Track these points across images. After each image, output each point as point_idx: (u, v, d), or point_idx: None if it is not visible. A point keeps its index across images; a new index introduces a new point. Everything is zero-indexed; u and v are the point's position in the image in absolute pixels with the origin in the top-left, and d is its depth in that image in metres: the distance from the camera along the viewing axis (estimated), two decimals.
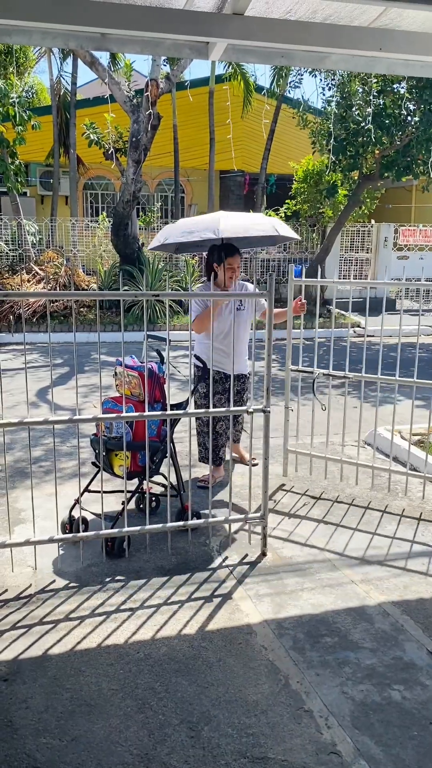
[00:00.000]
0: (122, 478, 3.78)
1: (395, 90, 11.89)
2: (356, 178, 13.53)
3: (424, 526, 4.16)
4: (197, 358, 4.55)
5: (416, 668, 2.77)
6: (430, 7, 3.33)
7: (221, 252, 4.61)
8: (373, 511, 4.39)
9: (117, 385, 4.11)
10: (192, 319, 4.41)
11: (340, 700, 2.56)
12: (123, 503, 3.75)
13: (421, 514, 4.35)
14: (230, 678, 2.69)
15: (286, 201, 16.74)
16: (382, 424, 5.70)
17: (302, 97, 16.53)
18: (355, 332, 12.86)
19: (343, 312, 13.42)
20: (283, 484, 4.83)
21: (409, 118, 11.76)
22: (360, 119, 11.85)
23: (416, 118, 11.57)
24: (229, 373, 4.54)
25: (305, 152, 16.05)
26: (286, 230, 4.62)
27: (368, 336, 10.94)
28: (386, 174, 12.69)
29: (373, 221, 17.08)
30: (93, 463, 4.03)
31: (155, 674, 2.72)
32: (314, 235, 17.06)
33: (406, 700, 2.57)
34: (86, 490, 3.95)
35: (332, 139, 11.94)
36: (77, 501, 3.81)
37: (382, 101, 11.76)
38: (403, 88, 11.80)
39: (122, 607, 3.21)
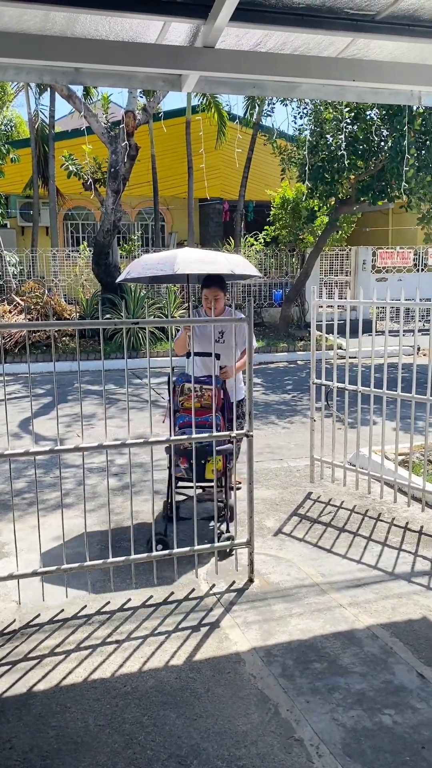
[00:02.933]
0: (211, 481, 4.09)
1: (367, 117, 12.16)
2: (333, 203, 13.75)
3: (409, 546, 4.15)
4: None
5: (406, 691, 2.74)
6: (393, 38, 3.43)
7: (204, 283, 4.72)
8: (360, 535, 4.38)
9: (181, 401, 4.17)
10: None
11: (331, 727, 2.53)
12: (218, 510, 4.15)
13: (404, 534, 4.35)
14: (219, 709, 2.65)
15: (265, 227, 16.95)
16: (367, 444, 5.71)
17: (273, 125, 16.77)
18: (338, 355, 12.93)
19: (325, 335, 13.51)
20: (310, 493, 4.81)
21: (382, 143, 12.01)
22: (333, 147, 12.08)
23: (389, 144, 11.82)
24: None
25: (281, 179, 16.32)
26: (244, 269, 4.73)
27: (351, 357, 11.03)
28: (362, 198, 12.91)
29: (351, 248, 17.33)
30: (176, 476, 4.25)
31: (143, 708, 2.67)
32: (294, 259, 17.27)
33: (397, 725, 2.54)
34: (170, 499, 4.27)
35: (308, 167, 12.15)
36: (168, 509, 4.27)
37: (355, 128, 12.01)
38: (375, 115, 12.08)
39: (108, 639, 3.16)
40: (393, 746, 2.43)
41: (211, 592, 3.61)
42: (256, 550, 3.97)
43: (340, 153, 11.89)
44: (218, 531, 4.16)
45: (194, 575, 3.78)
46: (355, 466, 5.21)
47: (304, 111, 12.63)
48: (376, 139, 11.97)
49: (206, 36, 3.35)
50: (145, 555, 3.64)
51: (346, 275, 17.19)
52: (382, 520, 4.59)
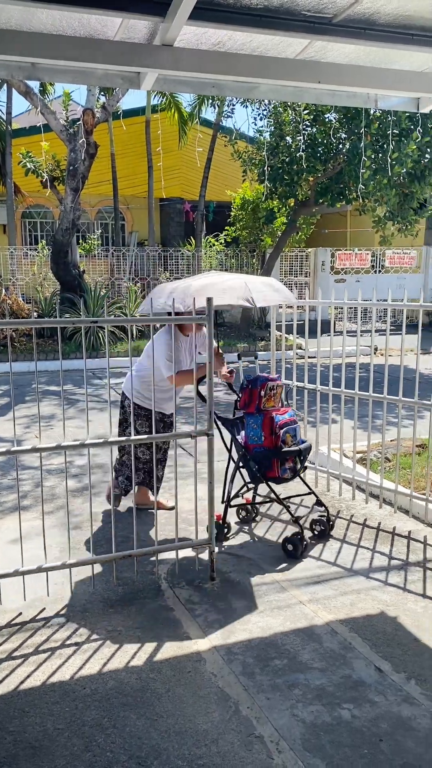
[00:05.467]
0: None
1: (326, 119, 12.30)
2: (293, 204, 13.87)
3: (367, 542, 4.21)
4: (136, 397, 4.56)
5: (365, 686, 2.78)
6: (349, 41, 3.47)
7: None
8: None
9: (264, 400, 4.15)
10: (169, 371, 4.15)
11: (291, 723, 2.55)
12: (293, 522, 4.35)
13: (362, 532, 4.42)
14: (180, 708, 2.64)
15: (226, 228, 17.00)
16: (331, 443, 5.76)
17: (234, 126, 16.85)
18: (297, 354, 13.05)
19: (285, 335, 13.61)
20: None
21: (340, 146, 12.17)
22: (293, 148, 12.19)
23: (346, 146, 11.99)
24: (167, 412, 4.69)
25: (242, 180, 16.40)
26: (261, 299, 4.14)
27: (309, 357, 11.13)
28: (321, 200, 13.06)
29: (310, 249, 17.51)
30: (282, 478, 4.16)
31: (103, 710, 2.65)
32: (254, 260, 17.36)
33: (356, 719, 2.57)
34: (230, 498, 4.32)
35: (267, 167, 12.22)
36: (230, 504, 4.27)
37: (314, 130, 12.14)
38: (334, 117, 12.23)
39: (67, 642, 3.12)
40: (352, 740, 2.46)
41: (171, 592, 3.60)
42: (217, 549, 3.98)
43: (299, 155, 12.00)
44: (321, 515, 4.37)
45: (155, 575, 3.76)
46: (314, 464, 5.26)
47: (264, 112, 12.71)
48: (335, 141, 12.12)
49: (164, 34, 3.34)
50: (104, 556, 3.60)
51: (306, 276, 17.36)
52: (341, 518, 4.65)
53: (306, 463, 4.31)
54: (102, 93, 14.18)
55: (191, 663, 2.94)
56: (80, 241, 16.06)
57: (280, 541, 4.17)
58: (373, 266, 17.47)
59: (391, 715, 2.59)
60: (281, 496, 4.28)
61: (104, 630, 3.22)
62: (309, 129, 12.27)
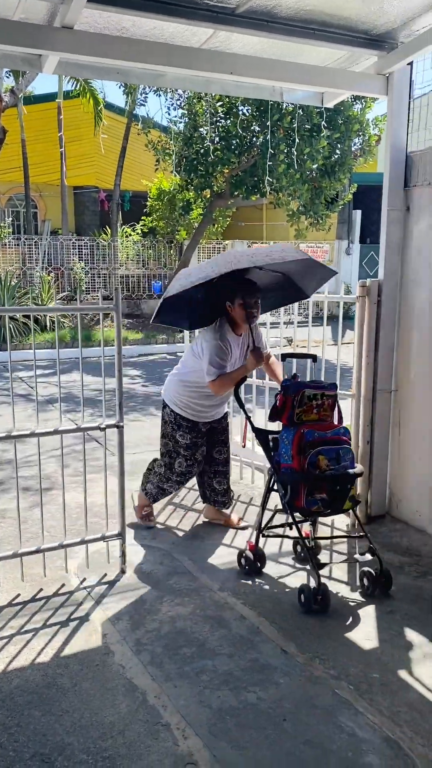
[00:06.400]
0: (346, 511, 3.59)
1: (240, 112, 12.38)
2: (209, 196, 13.90)
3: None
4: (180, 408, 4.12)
5: (271, 668, 2.84)
6: (252, 32, 3.50)
7: (236, 288, 3.82)
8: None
9: (299, 413, 3.43)
10: (211, 376, 3.79)
11: (198, 709, 2.57)
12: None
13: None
14: (86, 702, 2.61)
15: (142, 218, 16.85)
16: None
17: (147, 114, 16.54)
18: None
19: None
20: None
21: (254, 139, 12.28)
22: (207, 140, 12.20)
23: (260, 140, 12.11)
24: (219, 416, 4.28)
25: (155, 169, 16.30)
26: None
27: None
28: (236, 192, 13.14)
29: (227, 241, 17.62)
30: (311, 510, 3.41)
31: (7, 709, 2.58)
32: (172, 251, 17.31)
33: (261, 701, 2.62)
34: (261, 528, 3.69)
35: (181, 158, 12.18)
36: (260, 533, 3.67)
37: (228, 122, 12.19)
38: (247, 110, 12.31)
39: None
40: (257, 722, 2.51)
41: (81, 586, 3.55)
42: (129, 541, 3.96)
43: (213, 147, 12.03)
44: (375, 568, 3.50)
45: (64, 570, 3.70)
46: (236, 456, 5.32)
47: (178, 102, 12.65)
48: (248, 134, 12.21)
49: (64, 16, 3.26)
50: (10, 553, 3.51)
51: None
52: (254, 504, 4.72)
53: (355, 495, 3.61)
54: (8, 74, 13.71)
55: (99, 656, 2.92)
56: None
57: (297, 586, 3.44)
58: None
59: (295, 695, 2.66)
60: (318, 535, 3.79)
61: (10, 628, 3.14)
62: (223, 121, 12.30)
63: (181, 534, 4.25)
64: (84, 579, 3.63)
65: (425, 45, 3.69)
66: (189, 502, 4.75)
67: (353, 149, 12.87)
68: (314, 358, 3.94)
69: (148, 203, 16.43)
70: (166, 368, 11.21)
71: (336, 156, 12.25)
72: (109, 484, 3.84)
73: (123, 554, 3.72)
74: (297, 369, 3.95)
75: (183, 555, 3.93)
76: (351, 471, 3.34)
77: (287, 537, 3.86)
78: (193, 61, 3.76)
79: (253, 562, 3.68)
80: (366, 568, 3.51)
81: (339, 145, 12.17)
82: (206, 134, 12.28)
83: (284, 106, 10.98)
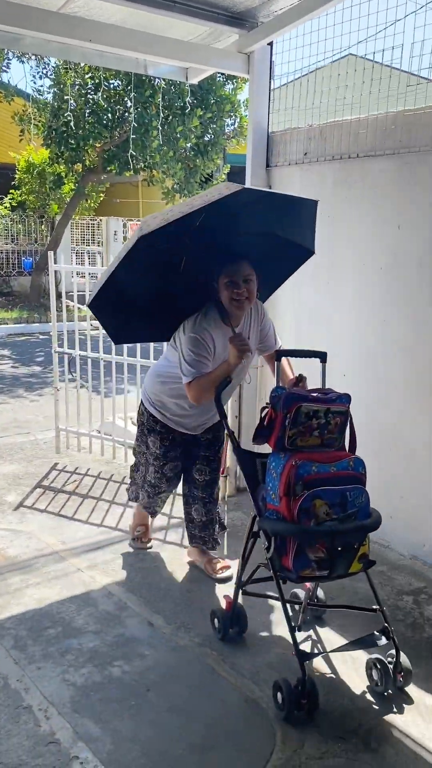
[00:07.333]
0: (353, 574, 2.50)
1: (111, 86, 12.10)
2: (81, 170, 13.52)
3: None
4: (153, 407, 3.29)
5: (137, 641, 2.86)
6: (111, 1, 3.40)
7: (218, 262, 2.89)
8: (104, 500, 4.44)
9: (292, 436, 2.42)
10: (187, 377, 2.85)
11: (61, 688, 2.54)
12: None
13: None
14: None
15: (11, 191, 16.09)
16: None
17: (9, 81, 15.60)
18: (92, 325, 12.88)
19: (79, 305, 13.35)
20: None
21: (126, 114, 12.06)
22: (78, 112, 11.83)
23: (133, 115, 11.92)
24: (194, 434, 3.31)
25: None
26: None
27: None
28: (109, 168, 12.88)
29: (102, 218, 17.25)
30: (300, 576, 2.41)
31: None
32: (43, 227, 16.70)
33: (126, 674, 2.64)
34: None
35: (50, 130, 11.72)
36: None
37: (98, 96, 11.88)
38: (118, 84, 12.06)
39: None
40: (121, 694, 2.52)
41: None
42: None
43: (84, 120, 11.68)
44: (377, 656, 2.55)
45: None
46: (100, 433, 5.26)
47: (44, 71, 12.14)
48: (120, 108, 11.98)
49: None
50: None
51: (99, 245, 17.11)
52: (126, 483, 4.70)
53: (367, 554, 2.48)
54: None
55: None
56: None
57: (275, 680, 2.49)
58: None
59: (160, 665, 2.70)
60: (319, 602, 2.98)
61: None
62: (93, 94, 11.97)
63: (49, 516, 4.15)
64: None
65: (283, 26, 3.76)
66: (59, 484, 4.65)
67: (227, 130, 13.01)
68: (323, 357, 2.75)
69: (16, 176, 15.70)
70: (38, 348, 10.85)
71: (209, 136, 12.32)
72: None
73: None
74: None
75: (51, 537, 3.85)
76: (362, 523, 2.39)
77: (273, 598, 2.87)
78: (50, 25, 3.61)
79: (228, 625, 2.84)
80: (375, 656, 2.57)
81: (212, 125, 12.25)
82: (77, 107, 11.89)
83: (156, 82, 10.86)
